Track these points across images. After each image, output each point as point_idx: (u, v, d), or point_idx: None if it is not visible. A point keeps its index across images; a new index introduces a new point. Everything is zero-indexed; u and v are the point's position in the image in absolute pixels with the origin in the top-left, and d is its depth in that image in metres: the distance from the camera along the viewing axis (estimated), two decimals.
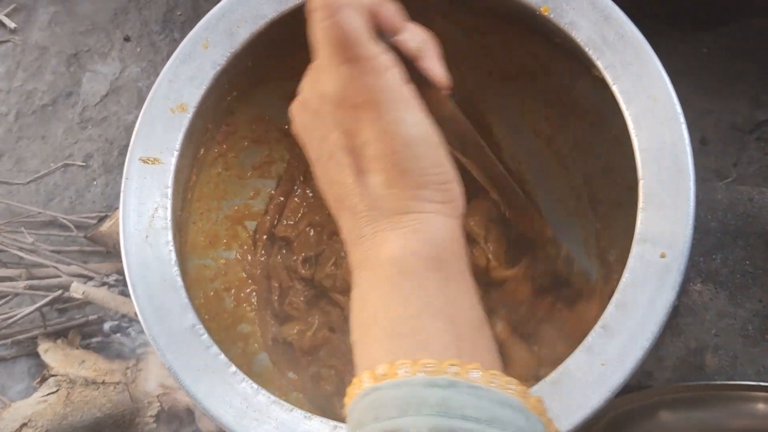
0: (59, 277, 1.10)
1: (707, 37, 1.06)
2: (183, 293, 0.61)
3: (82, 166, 1.22)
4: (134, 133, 0.65)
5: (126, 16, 1.29)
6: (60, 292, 1.06)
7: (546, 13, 0.62)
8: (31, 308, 1.06)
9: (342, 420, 0.57)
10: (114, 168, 1.21)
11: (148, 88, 0.66)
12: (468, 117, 0.54)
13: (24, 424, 0.97)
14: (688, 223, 0.56)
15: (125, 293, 1.06)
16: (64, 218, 1.16)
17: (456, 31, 0.76)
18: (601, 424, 0.75)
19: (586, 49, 0.61)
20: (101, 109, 1.25)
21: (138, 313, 0.61)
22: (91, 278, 1.09)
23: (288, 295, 0.82)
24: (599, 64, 0.61)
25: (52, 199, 1.21)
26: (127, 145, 0.65)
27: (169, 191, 0.64)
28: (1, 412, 0.99)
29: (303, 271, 0.81)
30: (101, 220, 1.09)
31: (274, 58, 0.74)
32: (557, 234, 0.81)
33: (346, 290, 0.80)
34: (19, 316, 1.06)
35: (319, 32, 0.42)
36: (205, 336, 0.60)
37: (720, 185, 0.93)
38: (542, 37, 0.67)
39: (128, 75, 1.26)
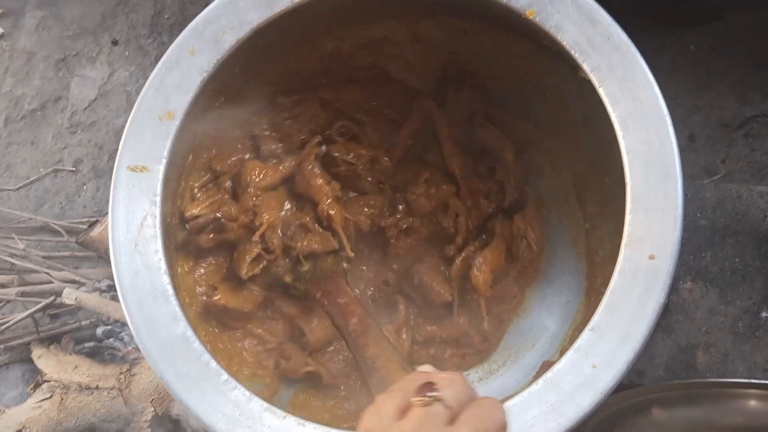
0: (51, 282, 1.10)
1: (694, 33, 1.06)
2: (173, 301, 0.61)
3: (72, 171, 1.22)
4: (122, 141, 0.65)
5: (114, 20, 1.28)
6: (52, 298, 1.06)
7: (531, 17, 0.62)
8: (24, 314, 1.05)
9: (336, 425, 0.57)
10: (104, 173, 1.21)
11: (137, 92, 0.66)
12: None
13: (19, 431, 0.97)
14: (677, 225, 0.56)
15: (117, 298, 1.06)
16: (54, 224, 1.16)
17: (443, 34, 0.77)
18: (593, 422, 0.75)
19: (572, 52, 0.61)
20: (90, 114, 1.24)
21: (128, 322, 0.61)
22: (83, 284, 1.09)
23: None
24: (585, 66, 0.61)
25: (42, 205, 1.21)
26: (116, 150, 0.64)
27: (158, 199, 0.64)
28: None
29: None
30: (92, 225, 1.09)
31: (261, 65, 0.74)
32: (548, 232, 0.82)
33: None
34: (11, 322, 1.06)
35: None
36: (197, 344, 0.60)
37: (708, 183, 0.93)
38: (529, 39, 0.67)
39: (117, 79, 1.25)
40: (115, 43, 1.27)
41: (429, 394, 0.43)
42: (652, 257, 0.56)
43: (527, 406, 0.55)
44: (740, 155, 1.01)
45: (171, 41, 0.67)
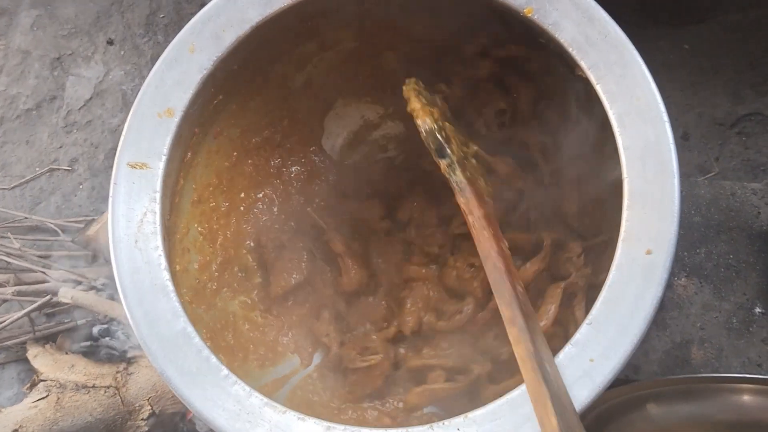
0: (47, 282, 1.09)
1: (688, 32, 1.07)
2: (173, 297, 0.62)
3: (67, 170, 1.22)
4: (122, 138, 0.65)
5: (109, 20, 1.28)
6: (48, 297, 1.06)
7: (530, 14, 0.63)
8: (20, 314, 1.05)
9: (332, 420, 0.57)
10: (100, 172, 1.21)
11: (133, 91, 0.66)
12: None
13: (15, 430, 0.97)
14: (673, 220, 0.57)
15: (113, 297, 1.06)
16: (50, 223, 1.16)
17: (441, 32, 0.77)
18: (589, 417, 0.75)
19: (570, 50, 0.62)
20: (86, 113, 1.24)
21: (129, 319, 0.61)
22: (79, 282, 1.09)
23: None
24: (583, 64, 0.61)
25: (38, 204, 1.21)
26: (112, 149, 0.65)
27: (158, 196, 0.64)
28: None
29: None
30: (88, 224, 1.09)
31: (261, 62, 0.74)
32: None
33: None
34: (7, 321, 1.06)
35: None
36: (197, 339, 0.60)
37: (703, 180, 0.94)
38: (528, 36, 0.68)
39: (112, 78, 1.25)
40: (110, 42, 1.27)
41: None
42: (649, 252, 0.56)
43: (526, 399, 0.55)
44: (734, 153, 1.02)
45: (166, 40, 0.67)
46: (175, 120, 0.66)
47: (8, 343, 1.09)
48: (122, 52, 1.27)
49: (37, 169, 1.22)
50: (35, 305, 1.05)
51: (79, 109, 1.24)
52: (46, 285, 1.09)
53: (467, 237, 0.82)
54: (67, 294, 1.04)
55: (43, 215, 1.19)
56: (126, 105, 0.68)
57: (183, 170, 0.73)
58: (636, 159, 0.58)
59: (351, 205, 0.90)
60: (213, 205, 0.81)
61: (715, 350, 0.84)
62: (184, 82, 0.66)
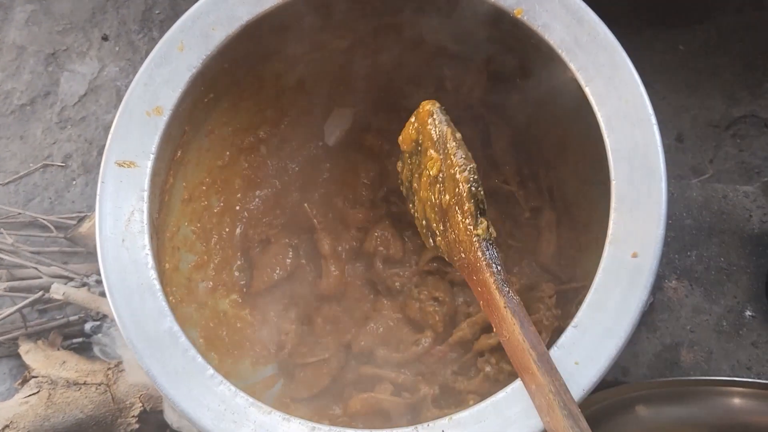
0: (40, 278, 1.09)
1: (683, 34, 1.06)
2: (160, 296, 0.61)
3: (61, 166, 1.21)
4: (110, 136, 0.65)
5: (104, 15, 1.28)
6: (40, 293, 1.06)
7: (519, 16, 0.63)
8: (12, 309, 1.05)
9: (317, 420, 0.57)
10: (93, 168, 1.20)
11: (127, 87, 0.66)
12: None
13: (6, 426, 0.97)
14: (660, 223, 0.56)
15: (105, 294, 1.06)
16: (43, 219, 1.16)
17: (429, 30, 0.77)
18: None
19: (559, 51, 0.62)
20: (80, 109, 1.24)
21: (115, 318, 0.61)
22: (71, 279, 1.09)
23: None
24: (572, 66, 0.61)
25: (31, 200, 1.21)
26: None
27: (146, 194, 0.64)
28: None
29: None
30: (81, 220, 1.09)
31: (252, 61, 0.74)
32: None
33: None
34: None
35: None
36: (183, 339, 0.60)
37: (695, 182, 0.94)
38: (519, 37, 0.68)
39: (107, 74, 1.25)
40: (105, 38, 1.27)
41: None
42: (635, 255, 0.56)
43: (509, 403, 0.55)
44: (728, 155, 1.02)
45: (161, 37, 0.67)
46: (164, 118, 0.66)
47: (0, 338, 1.09)
48: (117, 48, 1.26)
49: (31, 164, 1.22)
50: (27, 301, 1.05)
51: (74, 105, 1.24)
52: (38, 281, 1.09)
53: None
54: (59, 290, 1.04)
55: (36, 211, 1.19)
56: (120, 101, 0.67)
57: (173, 168, 0.72)
58: (624, 161, 0.58)
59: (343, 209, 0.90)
60: (205, 203, 0.81)
61: (704, 353, 0.84)
62: (173, 81, 0.66)
